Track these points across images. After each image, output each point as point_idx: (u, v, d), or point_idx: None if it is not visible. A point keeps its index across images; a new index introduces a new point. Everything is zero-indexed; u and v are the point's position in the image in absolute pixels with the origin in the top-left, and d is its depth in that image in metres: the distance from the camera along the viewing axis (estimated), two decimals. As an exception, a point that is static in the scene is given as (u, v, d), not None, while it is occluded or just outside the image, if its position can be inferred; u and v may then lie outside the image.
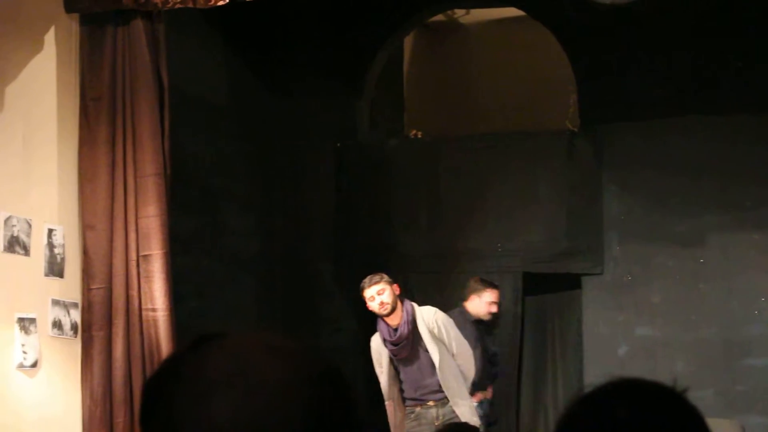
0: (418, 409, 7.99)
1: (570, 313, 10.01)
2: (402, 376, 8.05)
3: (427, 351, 7.89)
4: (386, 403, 8.09)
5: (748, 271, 9.20)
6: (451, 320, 8.11)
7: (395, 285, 7.99)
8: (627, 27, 9.41)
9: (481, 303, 8.89)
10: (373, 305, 7.92)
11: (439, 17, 12.09)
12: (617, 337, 9.52)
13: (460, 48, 12.78)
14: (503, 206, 9.93)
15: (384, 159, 10.42)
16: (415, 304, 8.03)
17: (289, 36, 10.42)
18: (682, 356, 9.28)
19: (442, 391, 7.90)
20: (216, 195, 9.76)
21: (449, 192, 10.11)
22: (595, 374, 9.22)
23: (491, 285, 9.01)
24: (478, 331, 8.84)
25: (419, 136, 11.08)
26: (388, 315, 7.89)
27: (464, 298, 8.97)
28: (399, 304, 7.93)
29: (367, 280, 7.99)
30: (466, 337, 8.25)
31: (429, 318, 7.96)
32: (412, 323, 7.89)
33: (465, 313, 8.85)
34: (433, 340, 7.88)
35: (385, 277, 7.98)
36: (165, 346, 7.08)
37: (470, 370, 8.07)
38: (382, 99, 11.18)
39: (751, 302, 9.19)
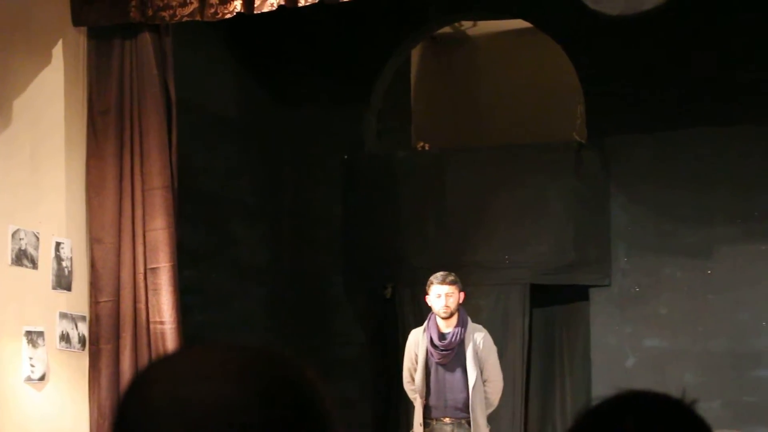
0: (433, 423, 7.97)
1: (577, 325, 9.99)
2: (431, 380, 7.99)
3: (465, 367, 7.85)
4: (416, 400, 8.01)
5: (756, 282, 9.17)
6: (494, 347, 8.08)
7: (462, 293, 7.95)
8: (634, 38, 9.41)
9: None
10: (437, 303, 7.86)
11: (447, 29, 12.10)
12: (625, 349, 9.50)
13: (467, 60, 12.79)
14: (511, 218, 9.92)
15: (391, 171, 10.42)
16: (469, 318, 8.01)
17: (297, 48, 10.43)
18: (690, 368, 9.26)
19: (464, 411, 7.87)
20: (224, 207, 9.76)
21: (456, 204, 10.11)
22: (603, 386, 9.20)
23: None
24: None
25: (427, 148, 11.09)
26: (445, 318, 7.85)
27: None
28: (457, 311, 7.89)
29: (440, 276, 7.90)
30: None
31: (478, 337, 7.93)
32: (462, 335, 7.86)
33: None
34: (474, 359, 7.84)
35: (458, 281, 7.92)
36: (173, 359, 7.07)
37: (496, 399, 8.05)
38: (390, 111, 11.19)
39: (759, 314, 9.17)
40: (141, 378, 1.42)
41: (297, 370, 1.41)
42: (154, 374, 1.41)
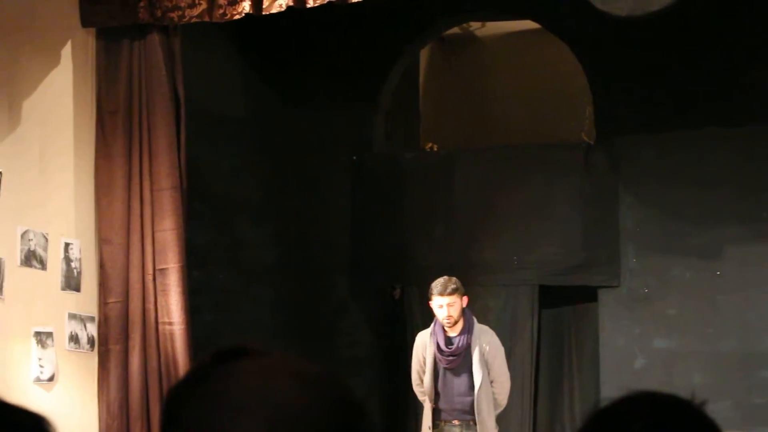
0: (442, 424, 7.97)
1: (586, 326, 9.97)
2: (439, 384, 7.98)
3: (471, 369, 7.84)
4: (425, 402, 8.02)
5: (765, 283, 9.15)
6: (502, 348, 8.06)
7: (465, 297, 7.90)
8: (643, 39, 9.40)
9: None
10: (439, 314, 7.82)
11: (455, 30, 12.08)
12: (634, 350, 9.48)
13: (475, 61, 12.78)
14: (519, 219, 9.91)
15: (399, 171, 10.42)
16: (475, 319, 7.98)
17: (305, 49, 10.43)
18: (699, 369, 9.24)
19: (471, 413, 7.86)
20: (232, 208, 9.76)
21: (465, 204, 10.10)
22: (612, 387, 9.19)
23: None
24: None
25: (435, 149, 11.07)
26: (450, 326, 7.85)
27: None
28: (462, 315, 7.87)
29: (440, 286, 7.82)
30: None
31: (484, 340, 7.90)
32: (469, 340, 7.84)
33: None
34: (480, 361, 7.82)
35: (460, 288, 7.83)
36: (181, 360, 7.09)
37: (504, 399, 8.03)
38: (398, 111, 11.18)
39: (768, 314, 9.16)
40: (215, 365, 1.43)
41: (356, 395, 1.48)
42: (234, 364, 1.43)
